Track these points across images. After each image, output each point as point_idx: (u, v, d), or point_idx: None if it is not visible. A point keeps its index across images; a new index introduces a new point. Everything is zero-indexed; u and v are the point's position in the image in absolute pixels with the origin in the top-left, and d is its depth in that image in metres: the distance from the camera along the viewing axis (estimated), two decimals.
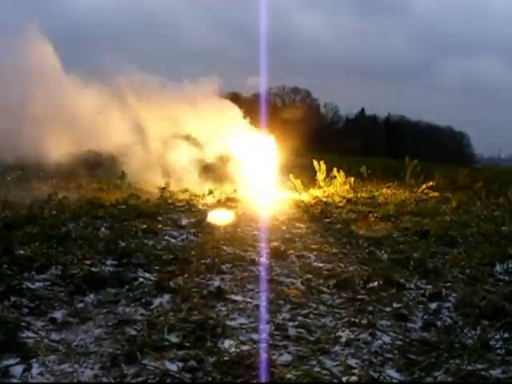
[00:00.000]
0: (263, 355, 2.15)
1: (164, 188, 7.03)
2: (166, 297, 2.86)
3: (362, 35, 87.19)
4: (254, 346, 2.27)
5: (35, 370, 1.99)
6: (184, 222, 5.20)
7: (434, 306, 2.94)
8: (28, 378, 1.94)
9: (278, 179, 8.57)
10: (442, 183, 9.83)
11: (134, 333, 2.35)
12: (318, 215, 6.03)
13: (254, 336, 2.40)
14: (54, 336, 2.30)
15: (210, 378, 1.98)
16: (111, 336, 2.32)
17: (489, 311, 2.74)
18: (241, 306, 2.82)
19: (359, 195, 8.23)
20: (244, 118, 8.35)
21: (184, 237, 4.48)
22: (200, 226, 4.94)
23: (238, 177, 8.05)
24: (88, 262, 3.39)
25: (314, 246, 4.36)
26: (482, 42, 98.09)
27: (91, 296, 2.84)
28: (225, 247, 4.08)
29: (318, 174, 8.86)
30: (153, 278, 3.16)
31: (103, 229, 4.44)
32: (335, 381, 2.02)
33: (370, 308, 2.84)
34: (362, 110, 58.47)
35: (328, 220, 5.75)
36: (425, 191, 8.90)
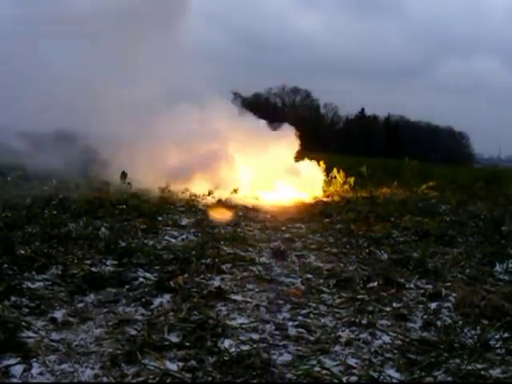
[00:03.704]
0: (263, 355, 2.15)
1: (164, 188, 7.03)
2: (166, 297, 2.86)
3: (362, 35, 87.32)
4: (254, 346, 2.27)
5: (35, 370, 1.98)
6: (184, 222, 5.20)
7: (433, 305, 2.94)
8: (28, 378, 1.94)
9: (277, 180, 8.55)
10: (441, 183, 9.83)
11: (134, 333, 2.35)
12: (318, 215, 6.03)
13: (254, 336, 2.40)
14: (54, 336, 2.30)
15: (210, 378, 1.98)
16: (111, 336, 2.32)
17: (489, 311, 2.74)
18: (241, 306, 2.82)
19: (359, 195, 8.23)
20: None
21: (184, 237, 4.48)
22: (200, 225, 4.94)
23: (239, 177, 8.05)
24: (88, 262, 3.39)
25: (313, 246, 4.37)
26: (482, 42, 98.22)
27: (91, 296, 2.83)
28: (225, 247, 4.09)
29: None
30: (153, 278, 3.16)
31: (103, 229, 4.43)
32: (335, 381, 2.02)
33: (370, 308, 2.84)
34: (362, 110, 58.53)
35: (328, 220, 5.75)
36: (425, 191, 8.90)
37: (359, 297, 3.03)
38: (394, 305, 2.93)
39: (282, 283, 3.27)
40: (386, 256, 4.10)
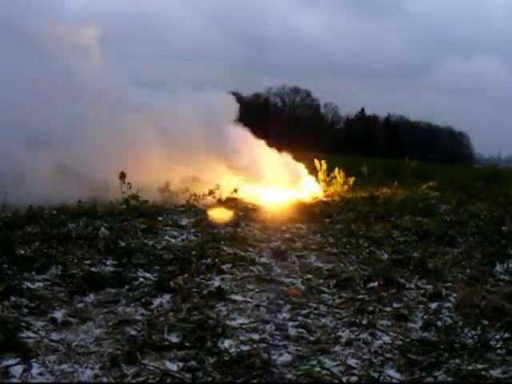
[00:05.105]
0: (263, 355, 2.15)
1: (164, 188, 7.01)
2: (166, 297, 2.86)
3: (362, 35, 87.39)
4: (254, 346, 2.27)
5: (35, 370, 1.98)
6: (184, 222, 5.20)
7: (434, 305, 2.94)
8: (28, 378, 1.93)
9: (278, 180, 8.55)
10: (442, 183, 9.83)
11: (134, 333, 2.35)
12: (318, 215, 6.02)
13: (254, 336, 2.40)
14: (54, 336, 2.29)
15: (210, 378, 1.98)
16: (111, 336, 2.31)
17: (489, 311, 2.74)
18: (241, 306, 2.81)
19: (359, 195, 8.23)
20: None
21: (184, 237, 4.47)
22: (200, 225, 4.94)
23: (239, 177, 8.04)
24: (88, 262, 3.38)
25: (313, 246, 4.36)
26: (482, 42, 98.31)
27: (91, 296, 2.83)
28: (225, 247, 4.08)
29: (318, 174, 8.86)
30: (153, 278, 3.16)
31: (103, 229, 4.43)
32: (335, 381, 2.02)
33: (370, 308, 2.84)
34: (362, 110, 58.56)
35: (328, 220, 5.75)
36: (425, 191, 8.90)
37: (359, 297, 3.02)
38: (395, 305, 2.92)
39: (282, 283, 3.27)
40: (386, 256, 4.10)
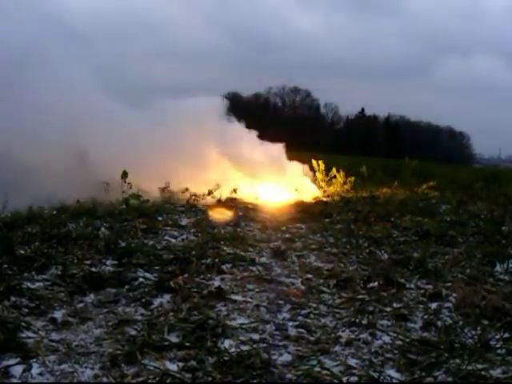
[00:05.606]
0: (263, 355, 2.15)
1: (164, 188, 7.01)
2: (166, 297, 2.86)
3: (362, 35, 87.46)
4: (254, 346, 2.27)
5: (35, 370, 1.98)
6: (184, 222, 5.20)
7: (434, 305, 2.94)
8: (28, 378, 1.94)
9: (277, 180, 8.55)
10: (442, 183, 9.83)
11: (134, 333, 2.35)
12: (318, 215, 6.02)
13: (254, 336, 2.40)
14: (54, 336, 2.30)
15: (210, 378, 1.98)
16: (111, 336, 2.31)
17: (489, 311, 2.74)
18: (241, 306, 2.81)
19: (359, 195, 8.23)
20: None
21: (184, 237, 4.47)
22: (200, 225, 4.94)
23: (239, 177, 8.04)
24: (88, 262, 3.38)
25: (313, 246, 4.36)
26: (482, 42, 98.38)
27: (91, 296, 2.83)
28: (225, 247, 4.08)
29: (317, 174, 8.85)
30: (153, 278, 3.16)
31: (103, 229, 4.43)
32: (335, 381, 2.02)
33: (370, 308, 2.84)
34: (362, 110, 58.55)
35: (328, 220, 5.75)
36: (425, 191, 8.90)
37: (359, 297, 3.02)
38: (395, 305, 2.92)
39: (282, 283, 3.27)
40: (386, 256, 4.10)
